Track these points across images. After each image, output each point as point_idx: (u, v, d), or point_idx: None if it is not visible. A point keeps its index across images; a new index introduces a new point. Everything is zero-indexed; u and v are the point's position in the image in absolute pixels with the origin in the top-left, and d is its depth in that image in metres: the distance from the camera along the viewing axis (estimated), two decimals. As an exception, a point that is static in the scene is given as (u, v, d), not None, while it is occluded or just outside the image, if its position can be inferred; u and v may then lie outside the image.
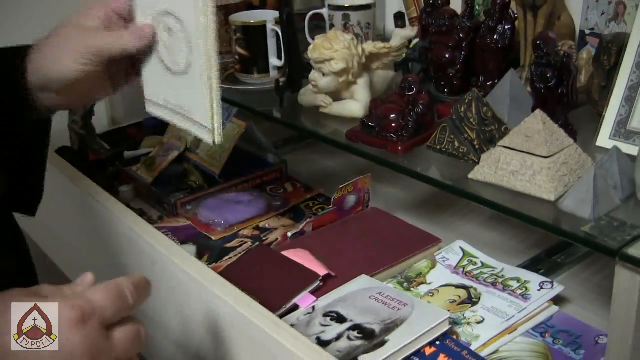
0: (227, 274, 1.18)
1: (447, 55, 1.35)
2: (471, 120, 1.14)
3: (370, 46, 1.35)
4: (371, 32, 1.58)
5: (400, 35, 1.45)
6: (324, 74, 1.32)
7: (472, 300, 1.18)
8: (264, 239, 1.42)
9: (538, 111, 1.05)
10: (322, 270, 1.21)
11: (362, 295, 1.15)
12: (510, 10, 1.30)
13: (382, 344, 1.02)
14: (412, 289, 1.22)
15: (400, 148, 1.19)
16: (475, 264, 1.27)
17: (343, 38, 1.31)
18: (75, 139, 1.79)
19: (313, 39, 1.35)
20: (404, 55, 1.42)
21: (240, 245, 1.41)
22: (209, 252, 1.40)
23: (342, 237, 1.35)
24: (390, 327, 1.06)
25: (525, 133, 1.04)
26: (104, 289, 0.75)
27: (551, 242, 1.36)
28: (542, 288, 1.17)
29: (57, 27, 0.95)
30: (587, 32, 1.37)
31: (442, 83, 1.37)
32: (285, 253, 1.27)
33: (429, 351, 1.04)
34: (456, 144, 1.15)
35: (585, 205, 0.95)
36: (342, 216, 1.42)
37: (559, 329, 1.12)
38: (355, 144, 1.24)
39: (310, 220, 1.38)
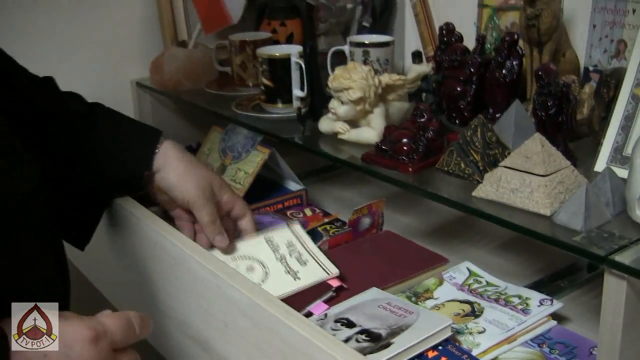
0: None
1: (458, 88, 1.44)
2: (476, 143, 1.22)
3: (386, 78, 1.45)
4: (389, 68, 1.68)
5: (416, 71, 1.55)
6: (342, 103, 1.42)
7: (475, 313, 1.25)
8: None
9: (537, 134, 1.14)
10: (335, 282, 1.29)
11: (371, 305, 1.22)
12: (518, 47, 1.40)
13: (387, 345, 1.09)
14: (419, 302, 1.29)
15: (410, 169, 1.27)
16: (481, 282, 1.35)
17: (361, 69, 1.41)
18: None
19: (334, 73, 1.45)
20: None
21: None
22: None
23: (355, 254, 1.43)
24: (396, 331, 1.13)
25: (525, 154, 1.13)
26: (116, 316, 0.86)
27: (554, 268, 1.43)
28: (542, 304, 1.24)
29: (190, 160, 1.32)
30: (591, 68, 1.46)
31: (454, 114, 1.46)
32: (301, 267, 1.36)
33: (431, 354, 1.11)
34: (462, 165, 1.23)
35: (577, 217, 1.03)
36: (356, 237, 1.50)
37: (556, 340, 1.19)
38: (369, 166, 1.33)
39: (326, 239, 1.47)
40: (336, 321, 1.19)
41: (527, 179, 1.11)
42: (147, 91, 2.10)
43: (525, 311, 1.23)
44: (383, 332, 1.13)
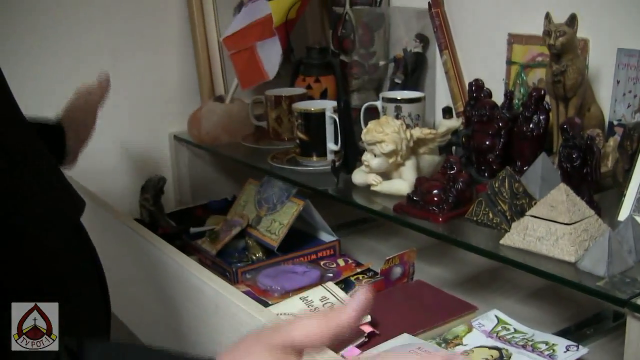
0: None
1: (487, 142, 1.49)
2: (504, 194, 1.27)
3: (417, 131, 1.50)
4: (420, 123, 1.73)
5: (447, 125, 1.61)
6: (375, 155, 1.48)
7: (503, 359, 1.28)
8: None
9: (562, 184, 1.19)
10: (367, 328, 1.33)
11: (401, 349, 1.26)
12: (545, 102, 1.45)
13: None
14: (449, 349, 1.33)
15: (440, 219, 1.32)
16: (509, 329, 1.38)
17: (393, 123, 1.47)
18: (146, 215, 1.96)
19: (368, 129, 1.51)
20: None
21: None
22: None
23: (387, 302, 1.47)
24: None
25: (550, 203, 1.17)
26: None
27: (581, 317, 1.46)
28: (568, 350, 1.27)
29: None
30: (615, 123, 1.50)
31: (483, 167, 1.51)
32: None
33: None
34: (490, 215, 1.28)
35: (601, 264, 1.07)
36: (388, 286, 1.55)
37: (582, 383, 1.22)
38: (400, 216, 1.38)
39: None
40: (368, 364, 1.23)
41: (552, 227, 1.15)
42: (185, 144, 2.16)
43: (552, 357, 1.26)
44: (413, 374, 1.17)
